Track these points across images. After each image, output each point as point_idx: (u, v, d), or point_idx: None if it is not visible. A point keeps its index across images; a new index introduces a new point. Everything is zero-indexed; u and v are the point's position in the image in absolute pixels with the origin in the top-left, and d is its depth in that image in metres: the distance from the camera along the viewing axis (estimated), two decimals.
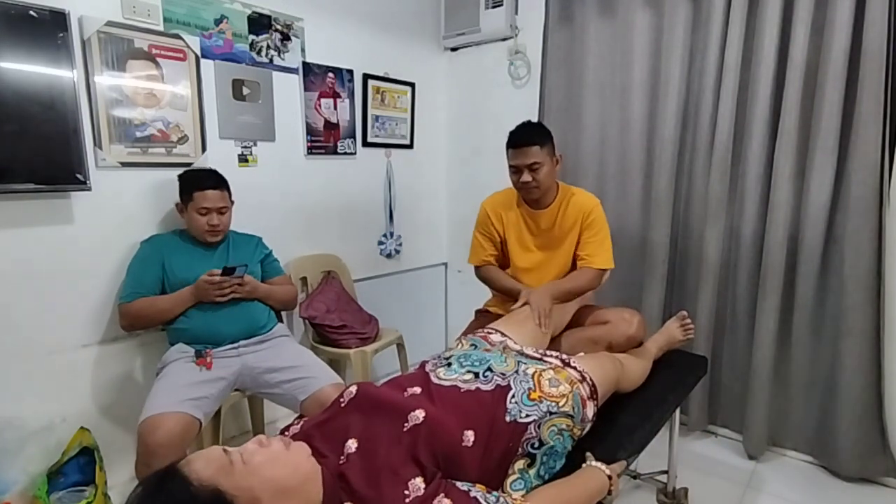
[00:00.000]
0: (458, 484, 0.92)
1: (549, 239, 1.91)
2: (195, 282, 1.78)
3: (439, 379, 1.16)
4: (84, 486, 1.66)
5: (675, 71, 2.22)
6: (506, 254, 1.99)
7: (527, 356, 1.35)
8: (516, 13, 2.75)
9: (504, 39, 2.81)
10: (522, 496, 1.01)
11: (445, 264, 3.33)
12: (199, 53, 2.05)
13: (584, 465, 1.13)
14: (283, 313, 2.17)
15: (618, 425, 1.37)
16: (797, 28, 1.92)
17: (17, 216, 1.69)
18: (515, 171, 1.80)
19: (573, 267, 1.94)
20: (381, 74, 2.76)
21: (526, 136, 1.77)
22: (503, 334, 1.50)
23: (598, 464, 1.13)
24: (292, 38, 2.36)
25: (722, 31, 2.09)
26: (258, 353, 1.85)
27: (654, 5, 2.29)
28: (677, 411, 1.77)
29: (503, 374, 1.16)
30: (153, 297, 1.79)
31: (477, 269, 2.03)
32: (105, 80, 1.82)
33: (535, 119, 2.68)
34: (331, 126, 2.57)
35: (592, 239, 1.85)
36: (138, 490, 0.82)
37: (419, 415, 1.00)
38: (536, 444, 1.07)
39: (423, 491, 0.88)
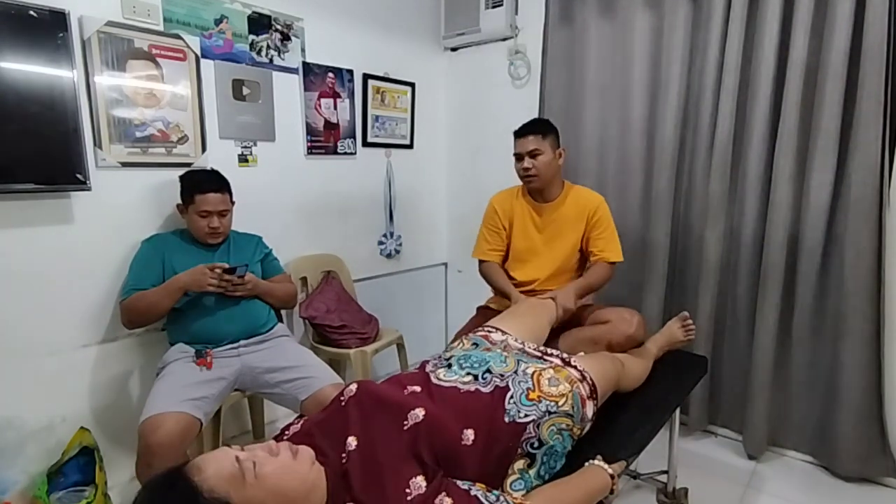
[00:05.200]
0: (459, 483, 0.93)
1: (552, 232, 1.98)
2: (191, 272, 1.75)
3: (439, 380, 1.16)
4: (84, 486, 1.66)
5: (675, 71, 2.22)
6: (509, 244, 2.06)
7: (528, 354, 1.35)
8: (516, 13, 2.75)
9: (504, 39, 2.81)
10: (523, 496, 1.01)
11: (445, 264, 3.33)
12: (199, 53, 2.05)
13: (586, 464, 1.13)
14: (283, 313, 2.17)
15: (618, 425, 1.37)
16: (797, 28, 1.92)
17: (17, 216, 1.69)
18: (518, 158, 1.94)
19: (580, 261, 2.02)
20: (381, 74, 2.76)
21: (528, 126, 1.94)
22: (503, 332, 1.50)
23: (601, 463, 1.13)
24: (292, 38, 2.36)
25: (722, 31, 2.09)
26: (258, 353, 1.85)
27: (654, 5, 2.29)
28: (677, 411, 1.77)
29: (502, 376, 1.16)
30: (144, 291, 1.76)
31: (480, 263, 2.11)
32: (105, 80, 1.82)
33: None
34: (331, 126, 2.57)
35: (602, 235, 1.95)
36: (144, 493, 0.81)
37: (419, 413, 1.00)
38: (536, 444, 1.07)
39: (424, 489, 0.88)
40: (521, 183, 2.02)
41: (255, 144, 2.29)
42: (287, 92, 2.38)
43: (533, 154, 1.89)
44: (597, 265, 1.95)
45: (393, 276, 3.01)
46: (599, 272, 1.93)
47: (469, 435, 1.01)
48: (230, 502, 0.77)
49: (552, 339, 1.73)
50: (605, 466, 1.12)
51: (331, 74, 2.53)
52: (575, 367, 1.27)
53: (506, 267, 2.07)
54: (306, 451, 0.90)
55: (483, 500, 0.90)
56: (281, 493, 0.82)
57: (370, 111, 2.72)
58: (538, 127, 1.93)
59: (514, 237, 2.03)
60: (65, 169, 1.70)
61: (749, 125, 2.08)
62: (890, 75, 1.81)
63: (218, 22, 2.12)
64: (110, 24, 1.81)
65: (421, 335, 3.05)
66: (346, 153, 2.66)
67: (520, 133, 1.94)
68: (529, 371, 1.19)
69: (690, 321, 1.87)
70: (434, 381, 1.15)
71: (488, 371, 1.18)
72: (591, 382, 1.24)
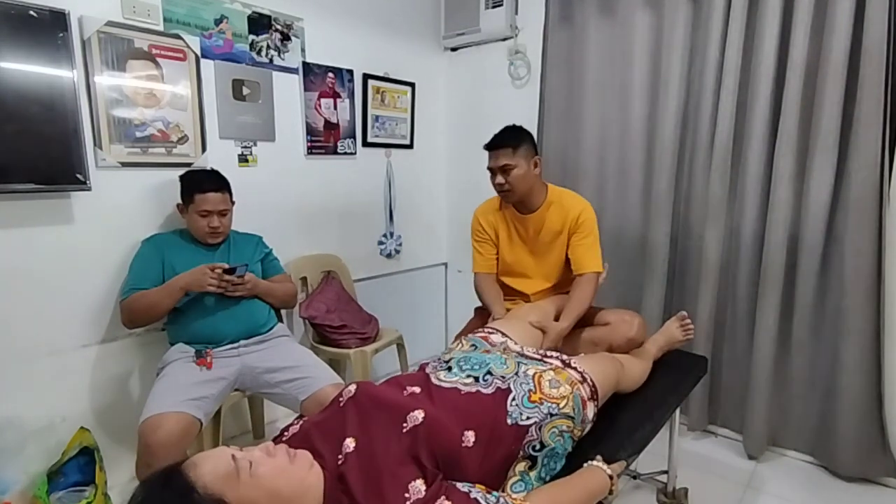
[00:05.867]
0: (459, 485, 0.92)
1: (537, 244, 1.90)
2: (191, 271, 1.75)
3: (440, 381, 1.16)
4: (84, 486, 1.66)
5: (675, 71, 2.22)
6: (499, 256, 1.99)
7: (527, 357, 1.35)
8: (516, 13, 2.75)
9: (504, 39, 2.81)
10: (523, 497, 1.01)
11: (445, 264, 3.33)
12: (199, 53, 2.05)
13: (585, 465, 1.13)
14: (283, 313, 2.17)
15: (618, 425, 1.37)
16: (797, 28, 1.92)
17: (17, 216, 1.69)
18: (491, 173, 1.84)
19: (565, 270, 1.92)
20: (381, 74, 2.76)
21: (498, 139, 1.81)
22: (503, 334, 1.50)
23: (600, 463, 1.13)
24: (292, 38, 2.36)
25: (722, 31, 2.09)
26: (258, 353, 1.85)
27: (654, 5, 2.29)
28: (677, 411, 1.77)
29: (503, 378, 1.16)
30: (144, 290, 1.76)
31: (474, 276, 2.03)
32: (105, 80, 1.82)
33: (534, 119, 2.69)
34: (331, 126, 2.57)
35: (581, 242, 1.84)
36: (141, 488, 0.82)
37: (418, 415, 1.00)
38: (538, 447, 1.07)
39: (423, 493, 0.88)
40: None
41: (255, 144, 2.29)
42: (287, 92, 2.38)
43: (505, 169, 1.76)
44: (580, 283, 1.81)
45: (393, 276, 3.01)
46: (585, 293, 1.78)
47: (470, 437, 1.00)
48: (224, 500, 0.77)
49: None
50: (605, 467, 1.12)
51: (331, 74, 2.53)
52: (575, 369, 1.27)
53: (501, 275, 2.00)
54: (304, 455, 0.90)
55: (483, 502, 0.90)
56: (275, 494, 0.82)
57: (370, 111, 2.72)
58: (508, 139, 1.78)
59: (500, 250, 1.95)
60: (65, 169, 1.70)
61: (749, 125, 2.08)
62: (890, 75, 1.80)
63: (218, 22, 2.11)
64: (110, 24, 1.81)
65: (421, 335, 3.05)
66: (346, 153, 2.66)
67: (490, 146, 1.81)
68: (530, 373, 1.18)
69: (689, 321, 1.87)
70: (434, 381, 1.15)
71: (489, 373, 1.18)
72: (591, 384, 1.24)
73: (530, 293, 1.93)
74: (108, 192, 1.86)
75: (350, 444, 0.96)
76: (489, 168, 1.83)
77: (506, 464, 1.04)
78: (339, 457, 0.94)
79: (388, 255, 2.96)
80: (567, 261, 1.89)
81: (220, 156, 2.15)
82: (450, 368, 1.22)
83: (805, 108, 1.96)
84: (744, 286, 2.19)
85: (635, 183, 2.42)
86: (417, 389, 1.11)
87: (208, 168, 2.01)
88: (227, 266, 1.78)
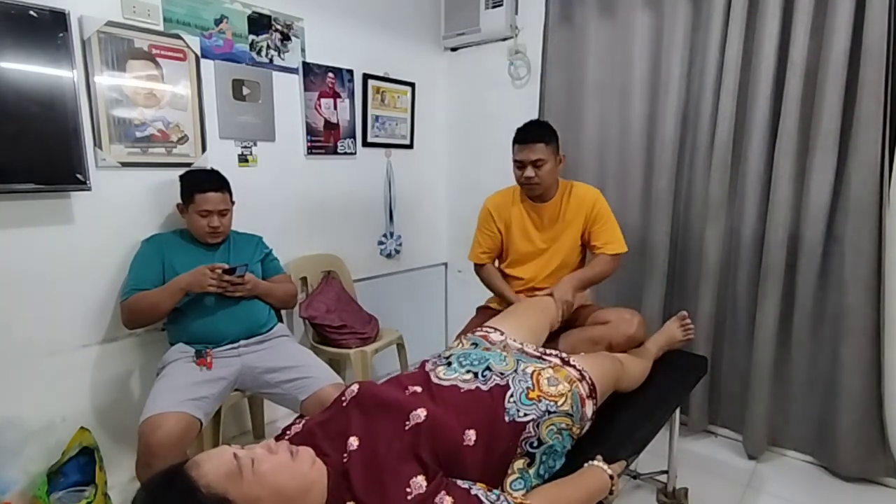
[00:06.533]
0: (459, 482, 0.93)
1: (552, 231, 1.96)
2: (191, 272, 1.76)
3: (439, 379, 1.16)
4: (84, 486, 1.66)
5: (675, 71, 2.22)
6: (506, 247, 2.03)
7: (527, 354, 1.35)
8: (516, 13, 2.75)
9: (504, 39, 2.81)
10: (523, 495, 1.01)
11: (445, 264, 3.33)
12: (199, 53, 2.05)
13: (586, 465, 1.13)
14: (284, 313, 2.17)
15: (618, 425, 1.37)
16: (797, 28, 1.92)
17: (17, 216, 1.69)
18: (519, 166, 1.87)
19: (581, 257, 2.00)
20: (381, 74, 2.76)
21: (533, 133, 1.85)
22: (502, 332, 1.50)
23: (601, 463, 1.13)
24: (292, 38, 2.36)
25: (722, 31, 2.09)
26: (258, 353, 1.85)
27: (654, 5, 2.29)
28: (677, 411, 1.77)
29: (502, 374, 1.17)
30: (145, 291, 1.76)
31: (476, 266, 2.09)
32: (105, 80, 1.82)
33: None
34: (331, 126, 2.57)
35: (604, 227, 1.92)
36: (144, 490, 0.82)
37: (421, 413, 1.00)
38: (535, 444, 1.07)
39: (424, 489, 0.88)
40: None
41: (255, 144, 2.29)
42: (287, 92, 2.38)
43: (537, 164, 1.81)
44: (598, 258, 1.92)
45: (393, 276, 3.01)
46: (601, 265, 1.90)
47: (471, 435, 1.01)
48: (228, 498, 0.78)
49: (552, 340, 1.73)
50: (605, 467, 1.12)
51: (331, 74, 2.53)
52: (574, 367, 1.27)
53: (505, 267, 2.05)
54: (306, 451, 0.91)
55: (483, 499, 0.90)
56: (278, 491, 0.82)
57: (370, 111, 2.72)
58: (543, 134, 1.84)
59: (513, 241, 1.99)
60: (65, 169, 1.70)
61: (749, 125, 2.08)
62: (890, 75, 1.80)
63: (218, 22, 2.11)
64: (110, 24, 1.81)
65: (421, 335, 3.05)
66: (346, 153, 2.66)
67: (523, 139, 1.84)
68: (529, 370, 1.19)
69: (689, 320, 1.87)
70: (434, 380, 1.15)
71: (488, 368, 1.18)
72: (590, 382, 1.25)
73: (537, 275, 1.97)
74: (108, 192, 1.86)
75: (354, 442, 0.97)
76: (518, 161, 1.86)
77: (504, 460, 1.04)
78: (344, 455, 0.95)
79: (388, 255, 2.96)
80: (576, 247, 1.97)
81: (220, 156, 2.15)
82: (449, 364, 1.23)
83: (805, 108, 1.96)
84: (744, 286, 2.19)
85: (635, 183, 2.42)
86: (419, 389, 1.11)
87: (208, 168, 2.01)
88: (226, 266, 1.78)
